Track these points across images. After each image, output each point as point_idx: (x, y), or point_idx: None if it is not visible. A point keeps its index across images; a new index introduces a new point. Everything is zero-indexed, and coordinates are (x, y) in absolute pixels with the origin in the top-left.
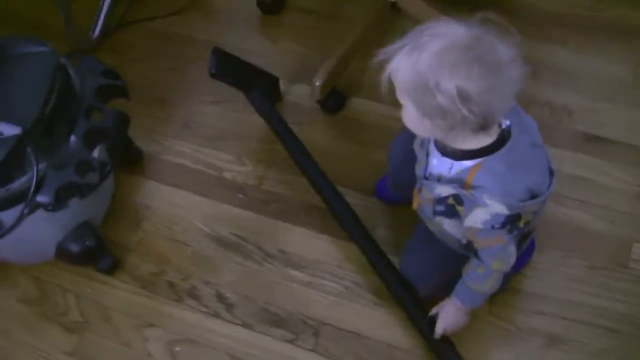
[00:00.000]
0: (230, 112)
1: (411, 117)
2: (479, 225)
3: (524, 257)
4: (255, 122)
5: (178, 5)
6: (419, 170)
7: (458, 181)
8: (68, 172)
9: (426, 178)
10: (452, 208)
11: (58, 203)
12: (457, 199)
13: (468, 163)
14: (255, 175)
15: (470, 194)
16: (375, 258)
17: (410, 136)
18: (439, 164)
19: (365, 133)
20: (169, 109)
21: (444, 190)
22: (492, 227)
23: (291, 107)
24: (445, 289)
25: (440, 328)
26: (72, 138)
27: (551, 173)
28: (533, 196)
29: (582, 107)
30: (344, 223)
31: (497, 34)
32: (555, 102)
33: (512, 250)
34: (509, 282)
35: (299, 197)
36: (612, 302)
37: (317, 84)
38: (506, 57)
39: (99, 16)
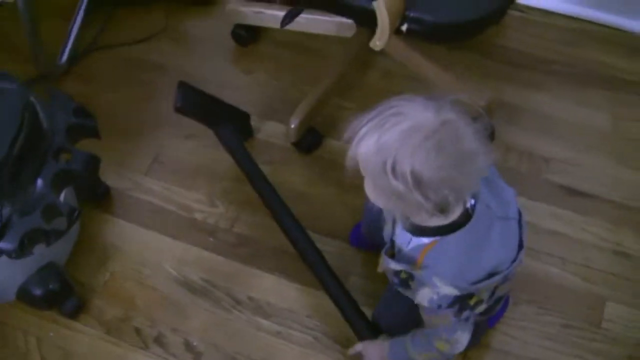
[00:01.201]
0: (202, 148)
1: (370, 191)
2: (425, 304)
3: (499, 312)
4: (227, 160)
5: (149, 31)
6: (386, 233)
7: (411, 259)
8: (34, 217)
9: (392, 245)
10: (405, 281)
11: (22, 250)
12: (410, 276)
13: (424, 240)
14: (227, 217)
15: (419, 274)
16: (346, 307)
17: None
18: (400, 235)
19: (342, 175)
20: (139, 142)
21: (398, 266)
22: (439, 306)
23: (263, 145)
24: None
25: (364, 350)
26: (39, 181)
27: (520, 246)
28: (491, 274)
29: (561, 156)
30: (315, 271)
31: (466, 118)
32: (534, 150)
33: (460, 335)
34: (483, 336)
35: (271, 242)
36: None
37: (292, 125)
38: (472, 146)
39: (68, 40)
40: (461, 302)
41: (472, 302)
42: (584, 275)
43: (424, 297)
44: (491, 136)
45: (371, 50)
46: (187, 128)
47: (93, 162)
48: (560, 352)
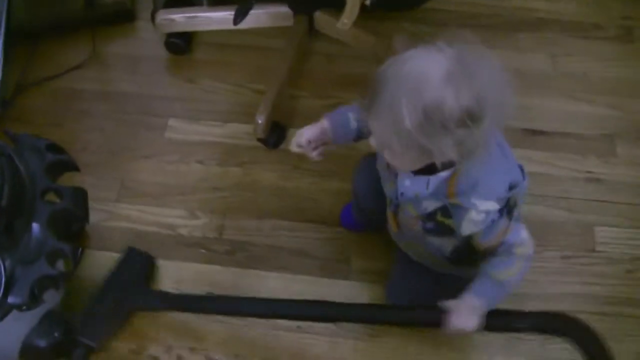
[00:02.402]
0: (166, 164)
1: (408, 160)
2: (480, 227)
3: None
4: (196, 171)
5: (77, 58)
6: (389, 192)
7: (441, 194)
8: (39, 264)
9: (398, 200)
10: (442, 225)
11: (33, 301)
12: (445, 211)
13: (444, 174)
14: (213, 227)
15: (457, 202)
16: (398, 317)
17: (373, 159)
18: (412, 185)
19: (314, 163)
20: (100, 172)
21: (430, 205)
22: (492, 220)
23: (229, 148)
24: None
25: (451, 324)
26: (35, 227)
27: (519, 166)
28: (512, 187)
29: (514, 102)
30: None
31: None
32: None
33: (525, 234)
34: None
35: (264, 241)
36: (591, 287)
37: (259, 122)
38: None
39: None
40: (507, 208)
41: (512, 203)
42: (567, 207)
43: (474, 222)
44: None
45: (311, 36)
46: (143, 148)
47: (81, 195)
48: (567, 282)
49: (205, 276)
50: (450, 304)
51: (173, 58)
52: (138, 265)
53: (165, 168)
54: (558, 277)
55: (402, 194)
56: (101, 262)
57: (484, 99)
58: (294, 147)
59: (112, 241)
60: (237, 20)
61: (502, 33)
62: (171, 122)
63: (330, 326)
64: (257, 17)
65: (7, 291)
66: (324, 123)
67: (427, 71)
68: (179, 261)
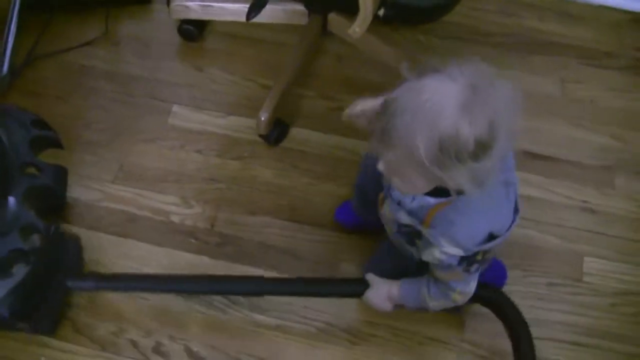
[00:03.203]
0: (166, 150)
1: (417, 186)
2: (436, 262)
3: (501, 278)
4: (194, 160)
5: (89, 35)
6: (385, 183)
7: (417, 216)
8: (12, 238)
9: (390, 194)
10: (411, 238)
11: (2, 273)
12: (416, 232)
13: (430, 200)
14: (205, 217)
15: (427, 233)
16: (324, 286)
17: None
18: (405, 197)
19: (313, 164)
20: (100, 151)
21: (404, 218)
22: (449, 265)
23: (230, 141)
24: None
25: (366, 297)
26: (11, 200)
27: (516, 210)
28: (492, 237)
29: (520, 124)
30: (280, 289)
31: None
32: None
33: (473, 286)
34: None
35: (254, 237)
36: (573, 317)
37: (262, 118)
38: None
39: (4, 53)
40: (468, 260)
41: (478, 257)
42: (559, 234)
43: (433, 256)
44: None
45: (323, 36)
46: (145, 132)
47: (61, 173)
48: (550, 309)
49: (194, 267)
50: (372, 279)
51: (184, 44)
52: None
53: (165, 154)
54: (541, 303)
55: (392, 193)
56: (89, 241)
57: (497, 128)
58: (345, 116)
59: (102, 221)
60: (250, 15)
61: (515, 53)
62: (175, 108)
63: (310, 329)
64: (271, 13)
65: None
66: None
67: (442, 103)
68: (169, 248)
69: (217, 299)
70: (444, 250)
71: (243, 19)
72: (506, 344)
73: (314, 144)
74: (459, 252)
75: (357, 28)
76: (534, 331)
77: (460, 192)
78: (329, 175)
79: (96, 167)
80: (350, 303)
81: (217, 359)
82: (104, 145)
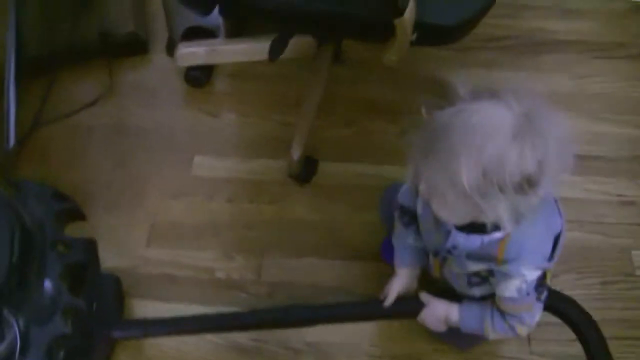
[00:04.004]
0: (195, 203)
1: (457, 214)
2: (514, 294)
3: None
4: (227, 210)
5: (93, 91)
6: (434, 244)
7: (488, 257)
8: (54, 323)
9: (450, 251)
10: (485, 279)
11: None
12: (490, 272)
13: (497, 235)
14: (250, 268)
15: (504, 269)
16: (378, 309)
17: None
18: (466, 241)
19: (348, 196)
20: (127, 215)
21: (476, 267)
22: (527, 293)
23: (259, 186)
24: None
25: (421, 316)
26: (47, 283)
27: (559, 212)
28: (556, 240)
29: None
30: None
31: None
32: None
33: (538, 317)
34: None
35: (304, 280)
36: (632, 312)
37: (294, 157)
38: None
39: (8, 122)
40: (541, 283)
41: (547, 278)
42: (603, 231)
43: (510, 289)
44: None
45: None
46: (170, 187)
47: (92, 247)
48: (609, 308)
49: None
50: (427, 299)
51: (192, 90)
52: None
53: (195, 207)
54: (598, 303)
55: (454, 247)
56: (134, 310)
57: (546, 165)
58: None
59: (145, 289)
60: (273, 54)
61: (524, 55)
62: (197, 158)
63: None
64: None
65: (23, 354)
66: (401, 273)
67: (493, 129)
68: (218, 306)
69: (282, 353)
70: (525, 279)
71: (254, 58)
72: (576, 348)
73: (345, 175)
74: (537, 273)
75: (394, 56)
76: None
77: (496, 227)
78: (367, 205)
79: (126, 232)
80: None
81: None
82: (129, 205)
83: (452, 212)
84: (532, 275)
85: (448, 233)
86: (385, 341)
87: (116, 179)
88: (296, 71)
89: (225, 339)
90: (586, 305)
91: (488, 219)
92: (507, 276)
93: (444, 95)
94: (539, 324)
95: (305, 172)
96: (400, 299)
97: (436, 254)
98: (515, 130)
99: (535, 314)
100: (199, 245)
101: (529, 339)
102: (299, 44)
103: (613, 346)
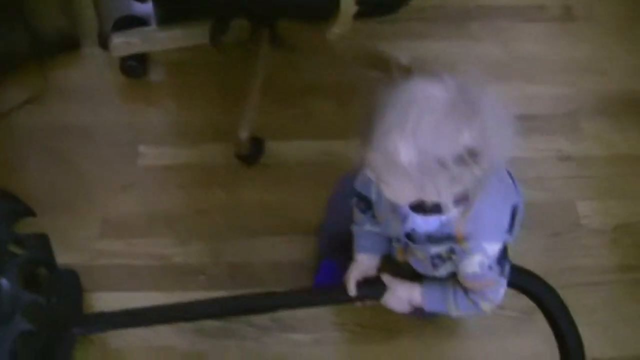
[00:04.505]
0: (144, 193)
1: (403, 194)
2: (476, 270)
3: None
4: (178, 196)
5: (30, 91)
6: (395, 229)
7: (447, 237)
8: (16, 322)
9: (409, 236)
10: (448, 259)
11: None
12: (452, 250)
13: (454, 213)
14: (207, 251)
15: (465, 246)
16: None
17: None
18: (424, 224)
19: (297, 173)
20: (77, 210)
21: (437, 249)
22: (490, 267)
23: (207, 170)
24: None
25: (384, 300)
26: (4, 283)
27: (511, 178)
28: (514, 212)
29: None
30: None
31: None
32: None
33: (501, 295)
34: None
35: (263, 259)
36: (582, 259)
37: (242, 138)
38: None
39: None
40: (503, 256)
41: (508, 251)
42: (547, 187)
43: (472, 264)
44: None
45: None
46: (118, 180)
47: (45, 241)
48: (559, 258)
49: None
50: (389, 281)
51: (129, 82)
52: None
53: (146, 197)
54: (549, 254)
55: (412, 230)
56: (94, 304)
57: (485, 136)
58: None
59: (102, 281)
60: (214, 40)
61: (450, 24)
62: (141, 149)
63: (347, 335)
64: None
65: None
66: (360, 259)
67: (426, 105)
68: (181, 291)
69: (248, 330)
70: (487, 253)
71: (191, 43)
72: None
73: (291, 153)
74: (498, 246)
75: (338, 30)
76: (552, 282)
77: (441, 209)
78: (316, 181)
79: (77, 227)
80: None
81: None
82: (78, 203)
83: (397, 193)
84: (493, 248)
85: (405, 217)
86: (350, 311)
87: (61, 178)
88: (234, 57)
89: (192, 324)
90: (537, 259)
91: (432, 197)
92: (468, 253)
93: (381, 71)
94: None
95: (253, 152)
96: (363, 283)
97: (398, 240)
98: (449, 104)
99: (499, 289)
100: (153, 233)
101: None
102: (235, 29)
103: (569, 294)
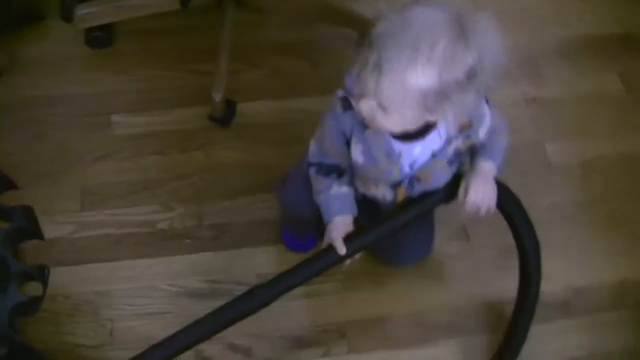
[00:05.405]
0: (123, 161)
1: (407, 121)
2: (488, 121)
3: None
4: (156, 162)
5: None
6: (395, 174)
7: (454, 136)
8: (10, 293)
9: (412, 172)
10: (467, 145)
11: (14, 332)
12: (467, 137)
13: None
14: (191, 215)
15: (473, 123)
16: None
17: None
18: (425, 148)
19: (271, 132)
20: (56, 183)
21: (453, 146)
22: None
23: (183, 134)
24: None
25: (471, 201)
26: None
27: None
28: None
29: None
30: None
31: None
32: None
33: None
34: None
35: (246, 218)
36: (554, 196)
37: (216, 99)
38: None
39: None
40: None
41: None
42: (514, 129)
43: (487, 124)
44: None
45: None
46: (94, 150)
47: (30, 212)
48: (531, 196)
49: (198, 265)
50: (466, 177)
51: (96, 53)
52: None
53: (124, 166)
54: (521, 192)
55: (414, 161)
56: (82, 275)
57: (483, 57)
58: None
59: (90, 251)
60: (184, 2)
61: None
62: (114, 118)
63: (336, 285)
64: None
65: None
66: (335, 221)
67: (437, 30)
68: (168, 256)
69: (237, 289)
70: (489, 114)
71: (157, 10)
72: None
73: (264, 113)
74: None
75: None
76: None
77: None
78: (291, 139)
79: (58, 200)
80: None
81: (260, 344)
82: (56, 175)
83: (402, 123)
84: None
85: (399, 156)
86: None
87: (36, 152)
88: (199, 22)
89: (180, 286)
90: None
91: (437, 118)
92: (477, 125)
93: (346, 26)
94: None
95: (227, 114)
96: (346, 239)
97: (399, 184)
98: (454, 27)
99: (483, 106)
100: (135, 201)
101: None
102: None
103: (543, 230)
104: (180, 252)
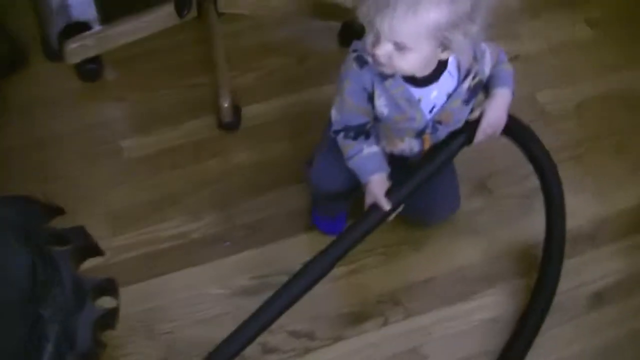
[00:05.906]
0: (142, 182)
1: (424, 57)
2: (492, 52)
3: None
4: (175, 176)
5: None
6: (419, 121)
7: (464, 74)
8: (88, 308)
9: (432, 114)
10: (476, 87)
11: (100, 345)
12: (474, 75)
13: (453, 59)
14: (222, 219)
15: (477, 56)
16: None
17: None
18: (440, 91)
19: (279, 129)
20: (81, 215)
21: (466, 86)
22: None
23: (195, 146)
24: None
25: (486, 123)
26: (66, 275)
27: None
28: None
29: None
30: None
31: None
32: None
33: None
34: None
35: (281, 211)
36: (556, 140)
37: (225, 105)
38: None
39: None
40: None
41: None
42: None
43: (487, 60)
44: None
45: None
46: (111, 178)
47: (84, 231)
48: None
49: (242, 264)
50: (483, 105)
51: (87, 86)
52: None
53: (144, 186)
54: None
55: (433, 106)
56: (133, 296)
57: None
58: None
59: (132, 272)
60: (183, 12)
61: None
62: (124, 143)
63: (379, 258)
64: (156, 20)
65: (71, 346)
66: (373, 181)
67: None
68: (209, 262)
69: (286, 279)
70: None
71: (144, 34)
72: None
73: (266, 112)
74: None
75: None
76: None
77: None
78: (299, 130)
79: (89, 228)
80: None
81: (321, 326)
82: (79, 208)
83: (418, 58)
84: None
85: (418, 101)
86: (373, 236)
87: (52, 190)
88: (179, 37)
89: (231, 287)
90: (513, 149)
91: (449, 53)
92: (480, 60)
93: (325, 17)
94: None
95: (235, 119)
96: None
97: (423, 131)
98: None
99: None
100: (163, 217)
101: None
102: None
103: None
104: (221, 256)
